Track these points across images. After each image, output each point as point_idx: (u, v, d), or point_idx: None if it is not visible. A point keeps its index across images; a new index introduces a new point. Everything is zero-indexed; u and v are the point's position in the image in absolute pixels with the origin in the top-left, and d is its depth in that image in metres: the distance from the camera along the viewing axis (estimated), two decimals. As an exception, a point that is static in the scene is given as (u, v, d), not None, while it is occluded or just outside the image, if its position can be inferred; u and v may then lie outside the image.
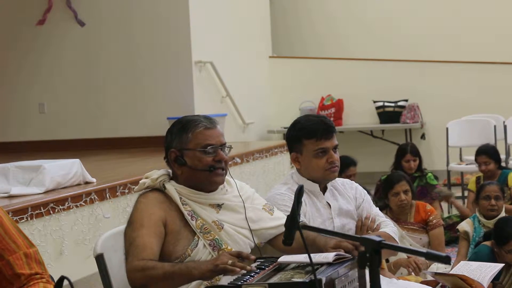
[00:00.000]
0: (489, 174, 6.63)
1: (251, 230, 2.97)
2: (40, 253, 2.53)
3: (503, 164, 8.12)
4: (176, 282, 2.72)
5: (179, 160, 2.94)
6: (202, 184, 2.95)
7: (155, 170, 3.01)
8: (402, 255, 4.92)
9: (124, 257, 2.81)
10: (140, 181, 3.00)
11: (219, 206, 2.96)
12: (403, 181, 5.42)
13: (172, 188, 2.93)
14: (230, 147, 3.02)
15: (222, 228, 2.90)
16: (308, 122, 3.43)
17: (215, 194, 2.98)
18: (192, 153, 2.93)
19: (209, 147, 2.93)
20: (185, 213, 2.88)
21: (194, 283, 2.79)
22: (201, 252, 2.85)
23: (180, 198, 2.91)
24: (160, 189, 2.95)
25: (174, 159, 2.96)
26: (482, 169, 6.69)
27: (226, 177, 3.06)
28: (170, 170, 3.02)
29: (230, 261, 2.61)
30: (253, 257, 2.69)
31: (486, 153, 6.67)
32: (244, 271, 2.61)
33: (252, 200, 3.08)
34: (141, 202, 2.90)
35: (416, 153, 6.84)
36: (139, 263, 2.71)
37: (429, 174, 6.81)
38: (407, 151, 6.82)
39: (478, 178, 6.68)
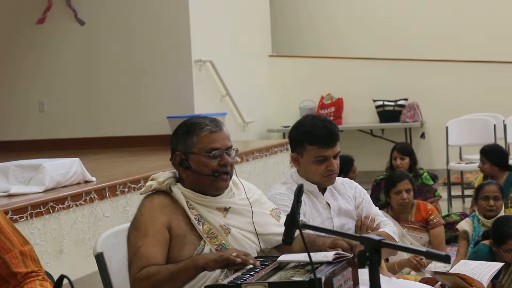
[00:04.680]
0: (485, 174, 6.61)
1: (257, 234, 2.95)
2: (38, 251, 2.54)
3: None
4: (183, 277, 2.69)
5: (184, 164, 2.90)
6: (206, 189, 2.91)
7: (162, 172, 2.97)
8: (405, 255, 4.92)
9: (128, 264, 2.79)
10: (146, 183, 2.95)
11: (226, 210, 2.92)
12: (406, 179, 5.43)
13: (179, 191, 2.89)
14: (236, 150, 2.98)
15: (229, 232, 2.87)
16: (312, 127, 3.39)
17: (222, 197, 2.94)
18: (197, 157, 2.89)
19: (214, 152, 2.88)
20: (192, 217, 2.85)
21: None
22: None
23: (187, 202, 2.88)
24: (166, 192, 2.91)
25: (179, 162, 2.92)
26: (479, 167, 6.71)
27: (234, 178, 3.02)
28: (176, 172, 2.98)
29: (234, 253, 2.61)
30: (258, 263, 2.66)
31: (483, 153, 6.65)
32: (247, 267, 2.61)
33: (260, 204, 3.04)
34: (145, 206, 2.87)
35: (404, 152, 6.80)
36: (142, 273, 2.70)
37: (425, 174, 6.79)
38: (394, 148, 6.82)
39: (485, 177, 6.65)
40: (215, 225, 2.86)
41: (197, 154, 2.89)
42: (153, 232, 2.77)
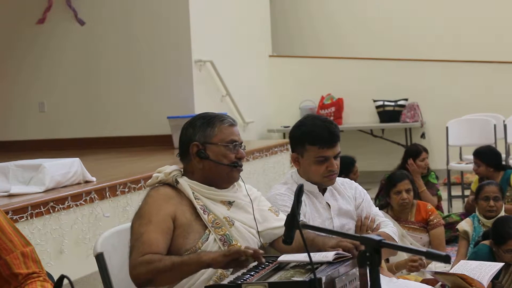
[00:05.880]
0: (480, 176, 6.66)
1: (258, 231, 2.99)
2: (38, 251, 2.54)
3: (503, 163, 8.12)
4: (184, 270, 2.70)
5: (201, 154, 2.95)
6: (220, 180, 2.97)
7: (167, 166, 3.01)
8: (405, 256, 4.92)
9: (129, 251, 2.80)
10: (153, 175, 2.99)
11: (230, 203, 2.98)
12: (406, 179, 5.43)
13: (185, 183, 2.93)
14: (245, 147, 3.07)
15: (233, 224, 2.92)
16: (313, 127, 3.40)
17: (227, 191, 3.00)
18: (216, 147, 2.95)
19: (234, 143, 2.97)
20: (198, 207, 2.89)
21: (198, 281, 2.79)
22: (211, 246, 2.85)
23: (193, 192, 2.92)
24: (171, 184, 2.95)
25: (196, 152, 2.96)
26: (474, 169, 6.75)
27: None
28: (181, 167, 3.02)
29: (243, 246, 2.65)
30: (263, 259, 2.67)
31: (478, 155, 6.69)
32: (253, 264, 2.63)
33: (259, 202, 3.10)
34: (151, 196, 2.90)
35: (427, 151, 6.89)
36: (144, 258, 2.71)
37: (432, 173, 6.86)
38: (421, 150, 6.85)
39: (481, 178, 6.68)
40: (220, 216, 2.91)
41: (216, 144, 2.95)
42: (157, 221, 2.80)
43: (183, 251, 2.81)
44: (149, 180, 3.01)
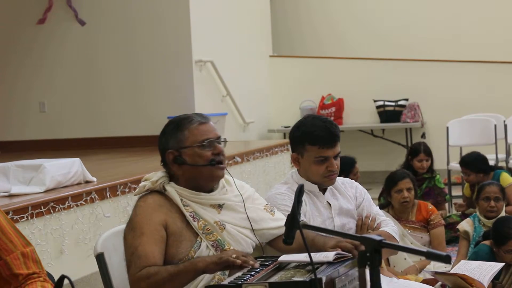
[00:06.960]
0: (471, 184, 6.65)
1: (253, 230, 2.97)
2: (39, 252, 2.54)
3: (503, 164, 8.13)
4: (182, 279, 2.71)
5: (178, 160, 2.92)
6: (203, 181, 2.93)
7: (154, 172, 2.99)
8: (405, 255, 4.92)
9: (126, 265, 2.80)
10: (140, 184, 2.97)
11: (220, 207, 2.94)
12: (407, 178, 5.43)
13: (173, 190, 2.90)
14: (225, 140, 3.02)
15: (224, 228, 2.89)
16: (313, 128, 3.39)
17: (216, 194, 2.96)
18: (191, 150, 2.91)
19: (206, 141, 2.90)
20: (187, 214, 2.86)
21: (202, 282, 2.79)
22: (204, 253, 2.83)
23: (181, 199, 2.89)
24: (160, 191, 2.93)
25: (172, 160, 2.93)
26: (464, 179, 6.73)
27: (226, 176, 3.04)
28: (168, 171, 2.99)
29: (233, 255, 2.63)
30: (257, 264, 2.68)
31: (466, 165, 6.66)
32: (247, 267, 2.62)
33: (253, 200, 3.07)
34: (140, 206, 2.88)
35: (429, 153, 6.83)
36: (142, 273, 2.71)
37: (438, 177, 6.82)
38: (420, 150, 6.81)
39: (472, 184, 6.70)
40: (210, 221, 2.88)
41: (190, 147, 2.91)
42: (150, 231, 2.79)
43: (176, 260, 2.80)
44: (137, 190, 2.99)
